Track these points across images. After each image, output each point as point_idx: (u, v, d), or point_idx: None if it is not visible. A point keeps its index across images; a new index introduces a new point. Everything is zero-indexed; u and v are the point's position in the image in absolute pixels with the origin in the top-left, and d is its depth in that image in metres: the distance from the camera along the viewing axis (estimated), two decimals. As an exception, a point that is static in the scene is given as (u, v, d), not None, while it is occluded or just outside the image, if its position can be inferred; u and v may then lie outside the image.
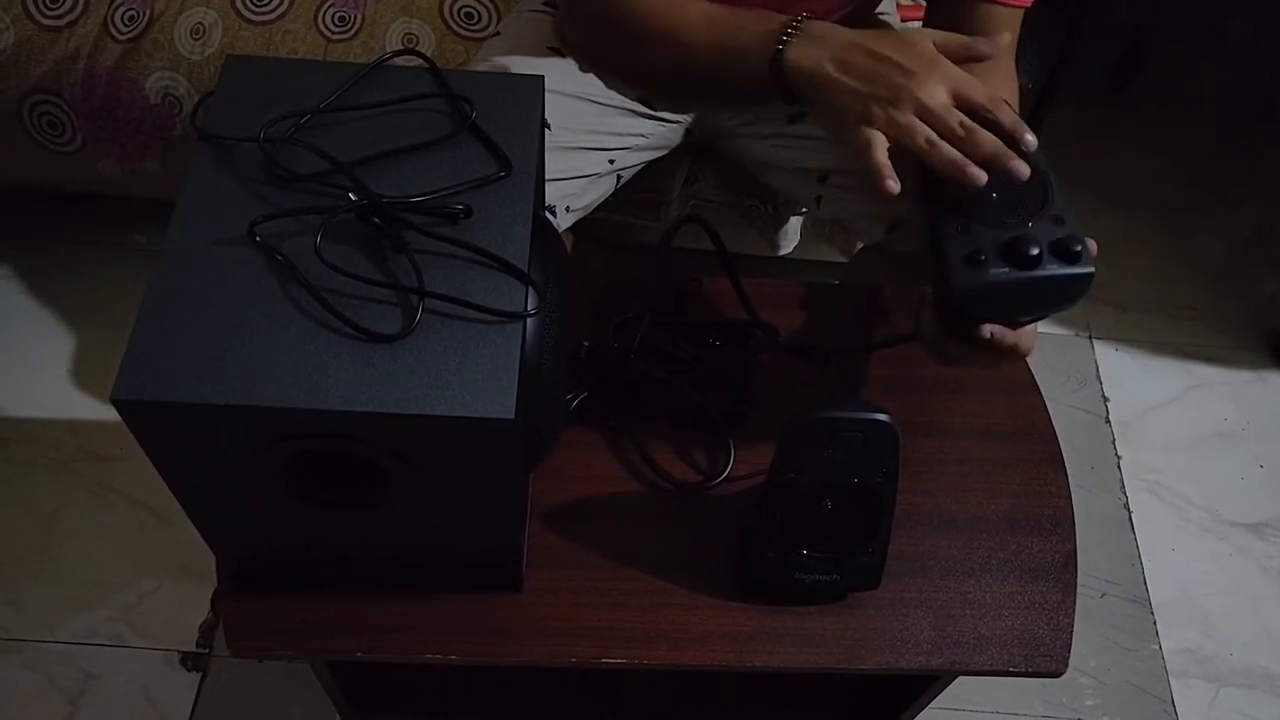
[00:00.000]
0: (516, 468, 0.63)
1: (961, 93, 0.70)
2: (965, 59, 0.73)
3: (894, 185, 0.68)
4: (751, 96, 0.79)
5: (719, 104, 1.00)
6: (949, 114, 0.69)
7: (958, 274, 0.66)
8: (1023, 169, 0.66)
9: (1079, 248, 0.66)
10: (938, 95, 0.70)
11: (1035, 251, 0.65)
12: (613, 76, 0.94)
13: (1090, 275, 0.67)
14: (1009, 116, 0.69)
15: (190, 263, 0.59)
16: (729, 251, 0.87)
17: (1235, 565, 1.34)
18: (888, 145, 0.70)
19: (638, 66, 0.89)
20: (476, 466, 0.60)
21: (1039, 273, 0.66)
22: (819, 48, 0.74)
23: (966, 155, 0.67)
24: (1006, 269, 0.66)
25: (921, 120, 0.69)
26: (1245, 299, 1.61)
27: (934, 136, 0.68)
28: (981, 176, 0.67)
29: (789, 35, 0.76)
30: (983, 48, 0.73)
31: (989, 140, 0.68)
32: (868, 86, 0.71)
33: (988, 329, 0.69)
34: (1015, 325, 0.70)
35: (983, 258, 0.66)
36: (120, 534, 1.24)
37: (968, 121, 0.69)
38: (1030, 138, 0.69)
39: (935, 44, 0.72)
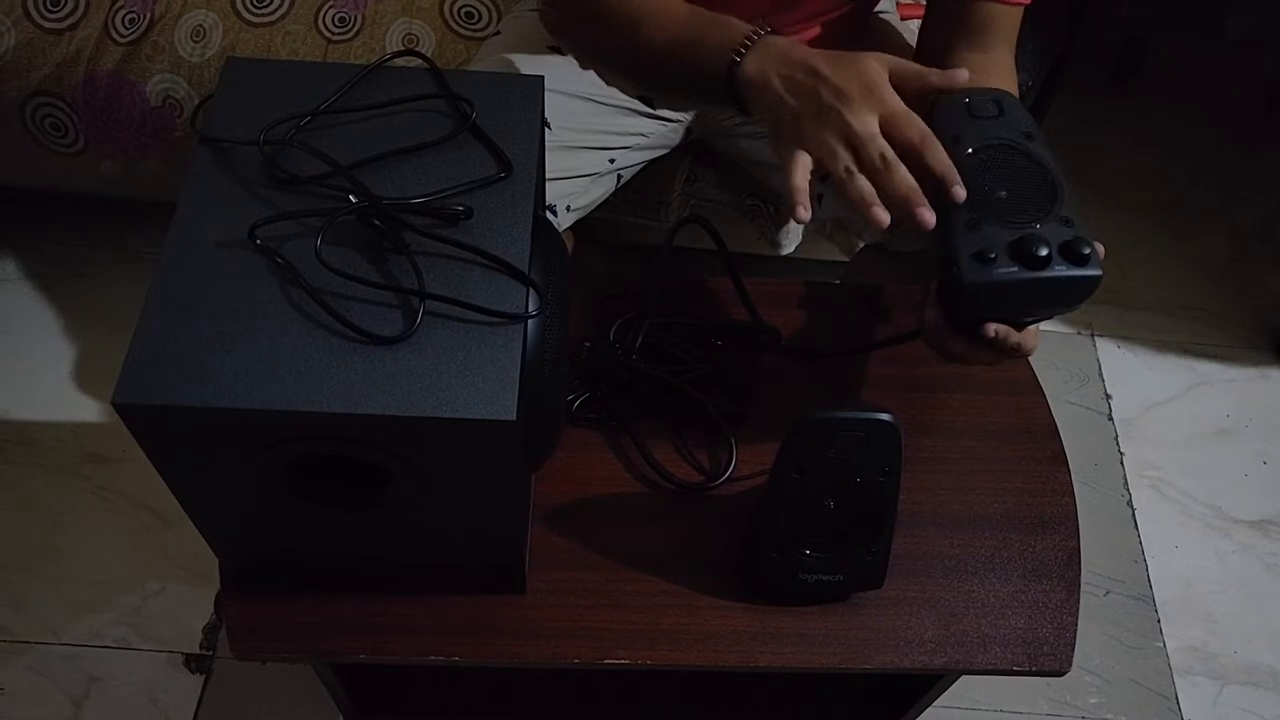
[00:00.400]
0: (518, 469, 0.63)
1: (893, 124, 0.68)
2: (919, 89, 0.72)
3: (804, 214, 0.67)
4: (708, 99, 0.79)
5: (677, 100, 0.99)
6: (872, 144, 0.67)
7: (967, 270, 0.66)
8: (929, 218, 0.66)
9: (1088, 250, 0.66)
10: (866, 123, 0.68)
11: (1044, 252, 0.66)
12: (580, 55, 0.94)
13: (1098, 278, 0.67)
14: (939, 160, 0.67)
15: (191, 266, 0.59)
16: (730, 252, 0.87)
17: (1239, 562, 1.34)
18: (813, 168, 0.69)
19: (604, 50, 0.88)
20: (478, 468, 0.60)
21: (1047, 273, 0.66)
22: (771, 62, 0.74)
23: (880, 190, 0.66)
24: (1015, 268, 0.66)
25: (847, 146, 0.68)
26: (1248, 296, 1.60)
27: (853, 165, 0.67)
28: (884, 219, 0.66)
29: (747, 45, 0.75)
30: (934, 79, 0.71)
31: (903, 181, 0.66)
32: (801, 104, 0.70)
33: (992, 328, 0.69)
34: (1020, 325, 0.70)
35: (992, 255, 0.66)
36: (123, 536, 1.24)
37: (889, 155, 0.67)
38: (959, 190, 0.67)
39: (891, 71, 0.71)
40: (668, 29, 0.80)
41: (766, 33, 0.76)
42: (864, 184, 0.67)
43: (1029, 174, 0.69)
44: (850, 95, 0.69)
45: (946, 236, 0.68)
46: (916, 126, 0.68)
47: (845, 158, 0.68)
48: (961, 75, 0.72)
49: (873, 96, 0.69)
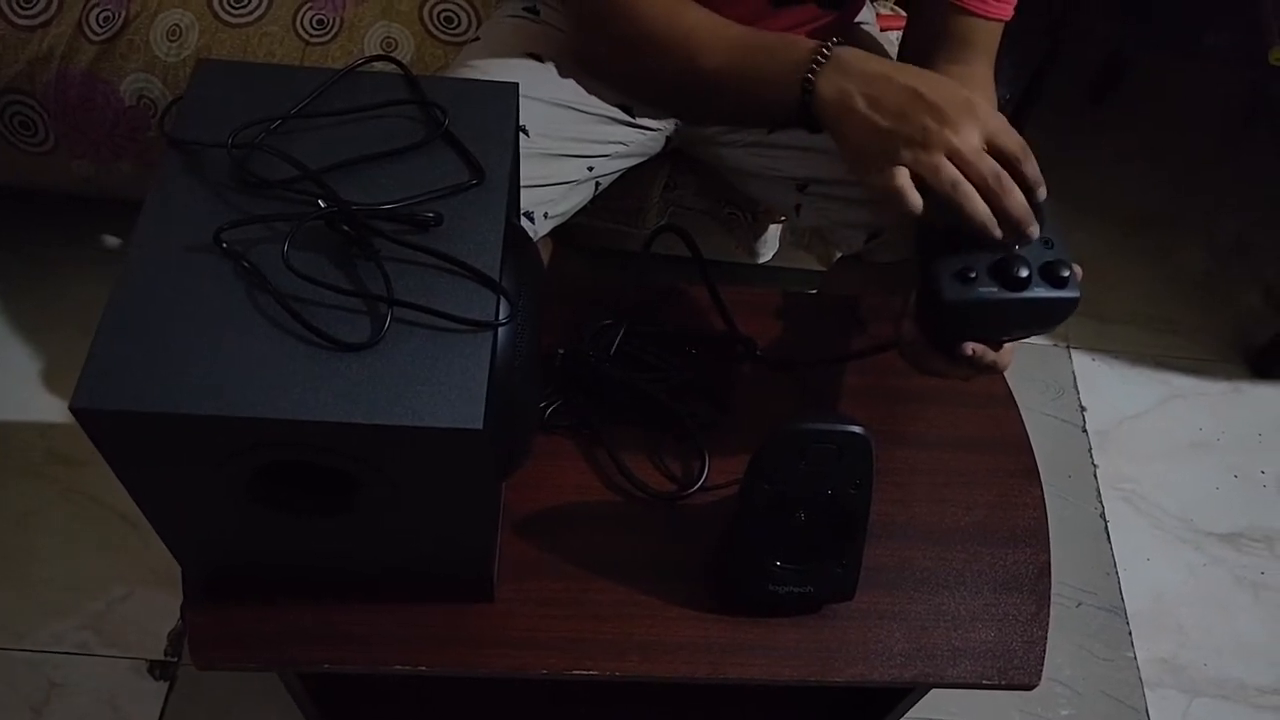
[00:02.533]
0: (487, 478, 0.63)
1: (995, 140, 0.68)
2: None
3: (916, 202, 0.67)
4: (774, 121, 0.78)
5: (738, 124, 0.99)
6: (981, 160, 0.67)
7: (947, 288, 0.67)
8: (1035, 233, 0.67)
9: (1067, 272, 0.67)
10: (971, 140, 0.68)
11: (1024, 273, 0.66)
12: (630, 93, 0.93)
13: (1075, 300, 0.68)
14: (1033, 170, 0.68)
15: (155, 269, 0.58)
16: (707, 260, 0.87)
17: (1210, 575, 1.35)
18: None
19: (659, 81, 0.87)
20: (446, 476, 0.60)
21: (1026, 294, 0.67)
22: (849, 80, 0.73)
23: (994, 208, 0.67)
24: (995, 288, 0.67)
25: (952, 162, 0.68)
26: (1223, 310, 1.62)
27: (960, 179, 0.67)
28: (999, 234, 0.67)
29: (818, 64, 0.74)
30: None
31: (1019, 204, 0.67)
32: (896, 124, 0.69)
33: (970, 346, 0.69)
34: (997, 344, 0.71)
35: (973, 275, 0.67)
36: (90, 539, 1.22)
37: (1003, 175, 0.67)
38: (1043, 191, 0.68)
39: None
40: (723, 52, 0.80)
41: (836, 43, 0.75)
42: (980, 204, 0.67)
43: None
44: (949, 114, 0.68)
45: (928, 254, 0.69)
46: (1015, 139, 0.68)
47: (951, 173, 0.67)
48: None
49: (972, 113, 0.69)
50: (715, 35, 0.80)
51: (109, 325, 0.55)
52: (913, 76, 0.71)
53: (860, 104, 0.72)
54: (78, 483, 1.26)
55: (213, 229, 0.58)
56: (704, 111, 0.92)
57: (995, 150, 0.69)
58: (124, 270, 0.58)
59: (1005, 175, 0.67)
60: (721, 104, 0.84)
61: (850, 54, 0.75)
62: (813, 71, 0.74)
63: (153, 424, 0.53)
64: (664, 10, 0.81)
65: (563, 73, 0.94)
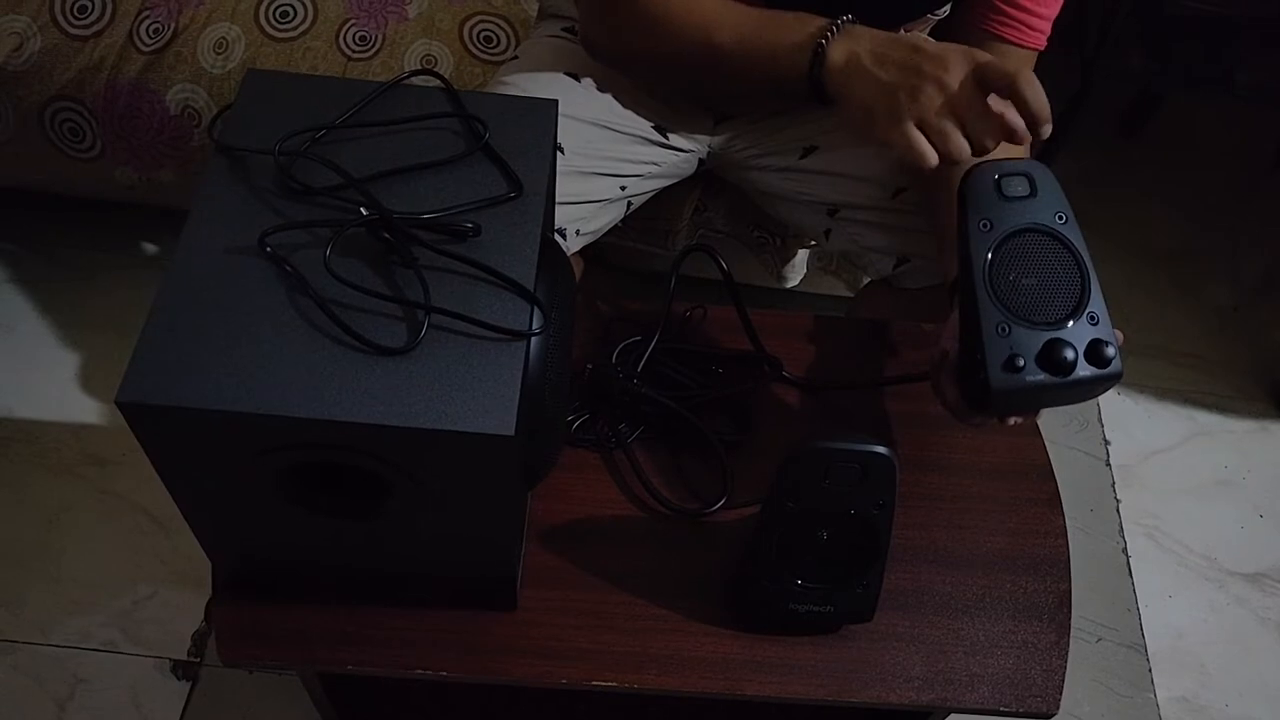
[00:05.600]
0: (515, 485, 0.64)
1: (984, 71, 0.71)
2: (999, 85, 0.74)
3: (933, 157, 0.70)
4: (784, 92, 0.81)
5: (751, 100, 1.01)
6: (972, 94, 0.70)
7: (995, 378, 0.68)
8: (1048, 130, 0.69)
9: (1112, 352, 0.68)
10: (958, 75, 0.71)
11: (1070, 357, 0.67)
12: (639, 71, 0.95)
13: (1118, 375, 0.69)
14: (1036, 98, 0.70)
15: (200, 270, 0.59)
16: (735, 281, 0.88)
17: (1233, 615, 1.34)
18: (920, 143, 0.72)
19: (675, 62, 0.89)
20: (476, 482, 0.61)
21: (1072, 378, 0.68)
22: (858, 44, 0.76)
23: (991, 133, 0.70)
24: (1043, 375, 0.68)
25: (948, 104, 0.70)
26: (1249, 348, 1.61)
27: (946, 130, 0.70)
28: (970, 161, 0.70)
29: (831, 35, 0.77)
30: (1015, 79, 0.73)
31: (1010, 119, 0.69)
32: (900, 77, 0.72)
33: (1012, 419, 0.73)
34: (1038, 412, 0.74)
35: (1021, 364, 0.68)
36: (119, 539, 1.24)
37: (984, 104, 0.70)
38: (1048, 129, 0.70)
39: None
40: (736, 27, 0.82)
41: (848, 19, 0.78)
42: (962, 144, 0.70)
43: (1059, 262, 0.70)
44: (946, 59, 0.71)
45: (976, 338, 0.69)
46: (1002, 68, 0.70)
47: (946, 125, 0.70)
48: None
49: (968, 56, 0.72)
50: (730, 10, 0.83)
51: (155, 323, 0.57)
52: (916, 36, 0.74)
53: (867, 61, 0.74)
54: (109, 483, 1.28)
55: (257, 233, 0.60)
56: (715, 85, 0.94)
57: (988, 78, 0.71)
58: (170, 270, 0.59)
59: (984, 104, 0.70)
60: (734, 77, 0.86)
61: (860, 27, 0.77)
62: (825, 39, 0.77)
63: (194, 419, 0.55)
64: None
65: (599, 92, 0.96)
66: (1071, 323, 0.68)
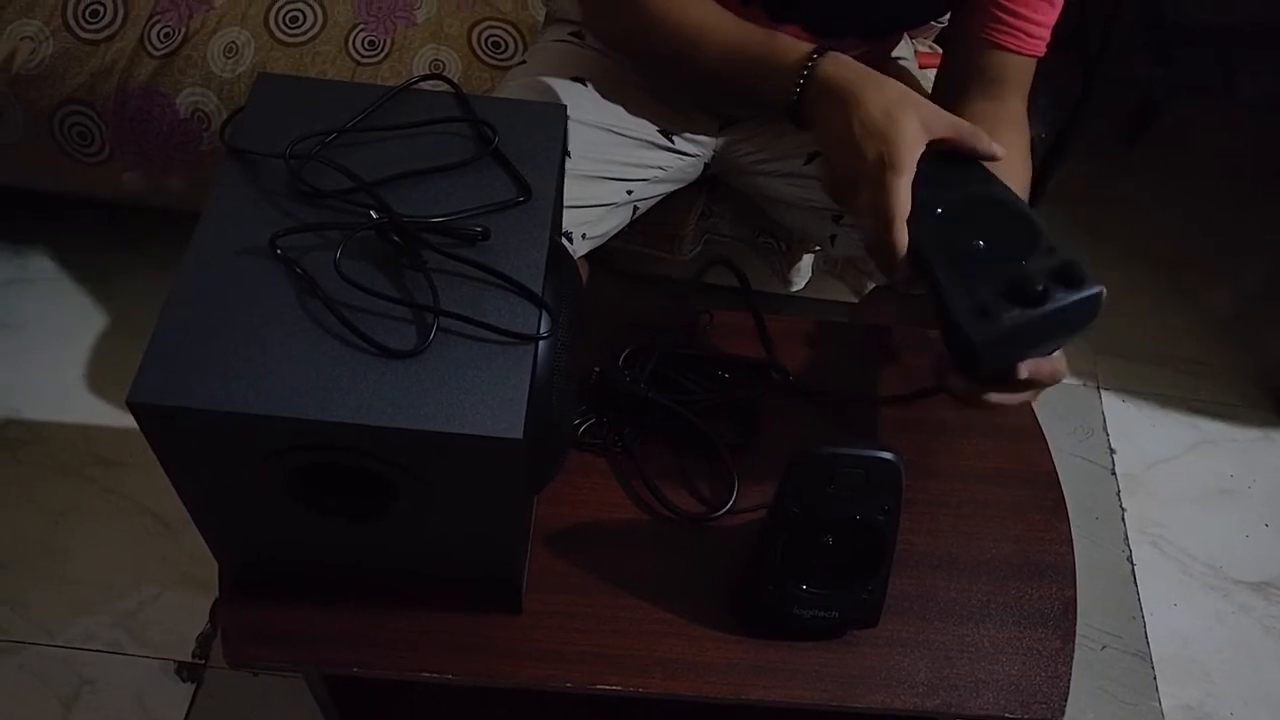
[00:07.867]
0: (522, 488, 0.64)
1: (934, 135, 0.73)
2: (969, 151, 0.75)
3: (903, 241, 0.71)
4: (772, 115, 0.83)
5: (738, 108, 1.02)
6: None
7: (973, 330, 0.66)
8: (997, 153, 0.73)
9: (1081, 271, 0.66)
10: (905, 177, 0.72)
11: (1040, 287, 0.66)
12: (640, 69, 0.98)
13: (1101, 293, 0.67)
14: (979, 142, 0.73)
15: (211, 272, 0.60)
16: (753, 290, 0.88)
17: (1237, 623, 1.33)
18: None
19: (666, 69, 0.93)
20: (483, 485, 0.61)
21: (1050, 306, 0.66)
22: (850, 70, 0.77)
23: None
24: (1017, 311, 0.66)
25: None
26: (1254, 355, 1.61)
27: (890, 221, 0.71)
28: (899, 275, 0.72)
29: (802, 82, 0.79)
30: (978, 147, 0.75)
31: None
32: (852, 163, 0.74)
33: (1024, 367, 0.69)
34: (1047, 354, 0.70)
35: (990, 307, 0.66)
36: (125, 540, 1.25)
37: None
38: (1000, 150, 0.73)
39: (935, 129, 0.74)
40: (721, 49, 0.85)
41: (819, 56, 0.79)
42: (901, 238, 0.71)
43: (999, 217, 0.70)
44: (891, 146, 0.72)
45: (940, 300, 0.68)
46: (946, 123, 0.73)
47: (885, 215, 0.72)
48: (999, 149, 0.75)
49: (911, 138, 0.72)
50: (716, 31, 0.84)
51: (166, 324, 0.58)
52: (869, 106, 0.75)
53: (829, 146, 0.77)
54: (115, 483, 1.28)
55: (268, 235, 0.60)
56: (708, 97, 0.98)
57: (941, 143, 0.73)
58: (181, 272, 0.60)
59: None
60: (721, 94, 0.91)
61: (835, 63, 0.78)
62: (798, 87, 0.79)
63: (203, 420, 0.55)
64: (674, 5, 0.85)
65: (606, 96, 0.96)
66: (1029, 258, 0.67)
